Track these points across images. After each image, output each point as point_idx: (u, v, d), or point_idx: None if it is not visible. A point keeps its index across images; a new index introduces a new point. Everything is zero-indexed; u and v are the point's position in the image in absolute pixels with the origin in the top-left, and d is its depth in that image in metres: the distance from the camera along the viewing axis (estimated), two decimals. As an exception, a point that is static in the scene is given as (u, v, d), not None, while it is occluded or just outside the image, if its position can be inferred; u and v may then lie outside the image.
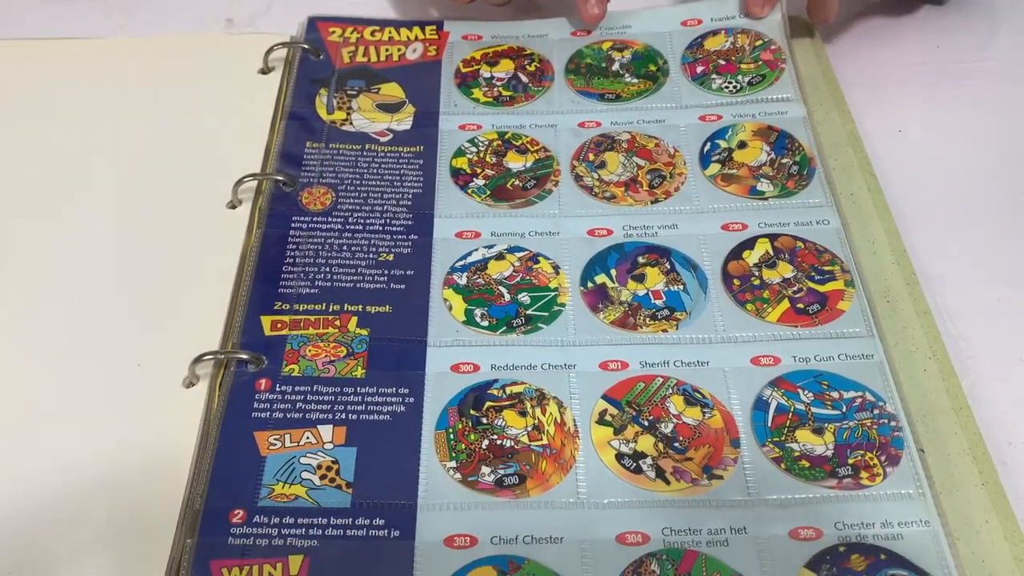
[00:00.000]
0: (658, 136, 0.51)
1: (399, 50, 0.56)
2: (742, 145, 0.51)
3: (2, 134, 0.53)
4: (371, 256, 0.46)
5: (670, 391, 0.41)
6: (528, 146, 0.51)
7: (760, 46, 0.55)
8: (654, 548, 0.36)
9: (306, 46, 0.55)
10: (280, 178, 0.48)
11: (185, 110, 0.53)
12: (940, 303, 0.46)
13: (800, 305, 0.44)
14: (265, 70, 0.55)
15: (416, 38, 0.57)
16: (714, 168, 0.50)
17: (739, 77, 0.54)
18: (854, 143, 0.52)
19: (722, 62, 0.55)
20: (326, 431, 0.39)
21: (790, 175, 0.49)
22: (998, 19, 0.60)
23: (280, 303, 0.44)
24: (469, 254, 0.46)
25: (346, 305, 0.44)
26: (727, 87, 0.54)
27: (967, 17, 0.56)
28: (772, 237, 0.46)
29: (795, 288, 0.44)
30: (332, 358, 0.42)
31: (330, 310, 0.43)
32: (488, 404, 0.41)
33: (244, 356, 0.41)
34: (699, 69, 0.55)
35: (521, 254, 0.46)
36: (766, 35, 0.56)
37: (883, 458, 0.39)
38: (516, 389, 0.41)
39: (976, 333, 0.44)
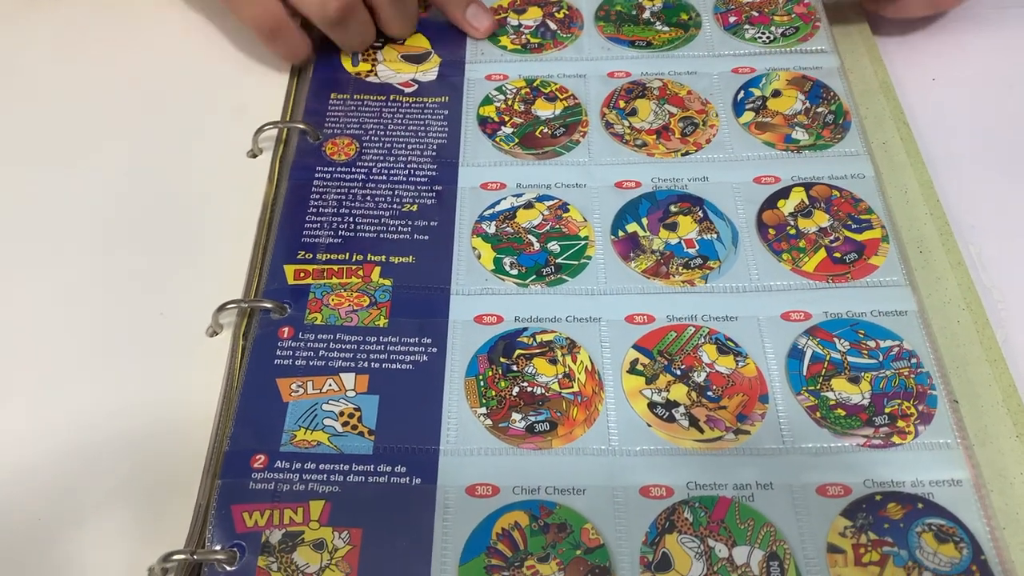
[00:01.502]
0: (690, 85, 0.50)
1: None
2: (776, 94, 0.49)
3: (24, 78, 0.52)
4: (395, 206, 0.45)
5: (702, 340, 0.40)
6: (557, 93, 0.50)
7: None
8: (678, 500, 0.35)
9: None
10: (302, 126, 0.47)
11: (204, 57, 0.53)
12: (973, 253, 0.44)
13: (837, 254, 0.42)
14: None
15: (442, -11, 0.55)
16: (748, 116, 0.48)
17: (772, 28, 0.52)
18: (886, 92, 0.50)
19: (755, 13, 0.53)
20: (348, 379, 0.39)
21: (825, 124, 0.48)
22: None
23: (303, 252, 0.43)
24: (497, 203, 0.45)
25: (369, 255, 0.43)
26: (760, 38, 0.52)
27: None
28: (807, 186, 0.45)
29: (832, 237, 0.43)
30: (355, 307, 0.41)
31: (353, 260, 0.43)
32: (518, 352, 0.40)
33: (268, 305, 0.41)
34: (731, 19, 0.53)
35: (550, 203, 0.45)
36: (800, -14, 0.54)
37: (920, 407, 0.37)
38: (546, 337, 0.40)
39: (1010, 284, 0.43)
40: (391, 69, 0.51)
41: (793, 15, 0.53)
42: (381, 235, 0.44)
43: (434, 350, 0.40)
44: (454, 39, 0.53)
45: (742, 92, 0.49)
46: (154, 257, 0.44)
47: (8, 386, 0.40)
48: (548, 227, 0.44)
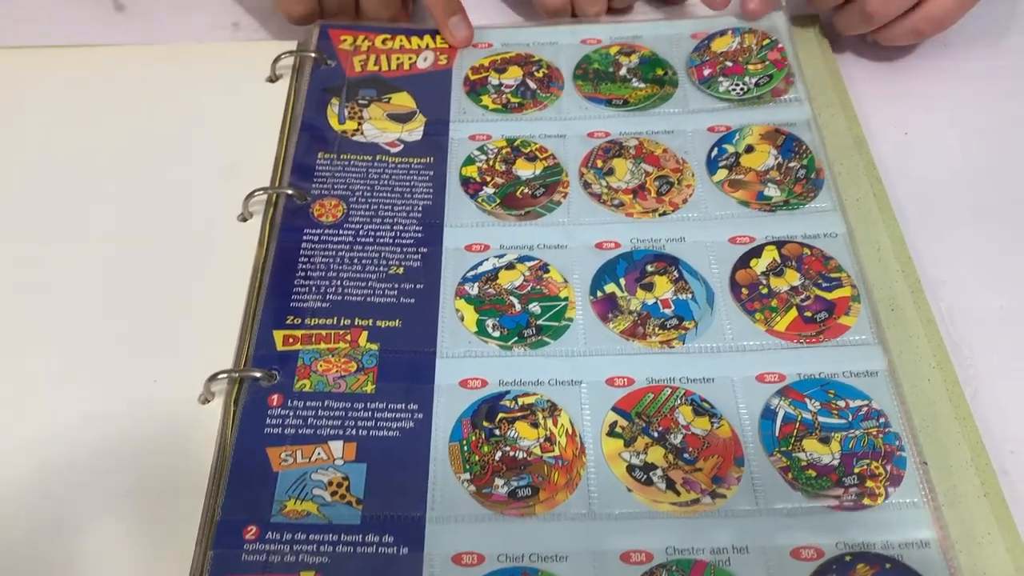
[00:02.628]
0: (666, 143, 0.52)
1: (410, 59, 0.56)
2: (749, 149, 0.51)
3: (11, 143, 0.53)
4: (382, 269, 0.46)
5: (679, 401, 0.41)
6: (537, 153, 0.52)
7: (767, 45, 0.55)
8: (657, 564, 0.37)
9: (314, 54, 0.56)
10: (291, 192, 0.49)
11: (192, 120, 0.54)
12: (944, 309, 0.46)
13: (808, 313, 0.44)
14: (272, 78, 0.56)
15: (427, 46, 0.57)
16: (721, 174, 0.50)
17: (746, 79, 0.54)
18: (860, 147, 0.52)
19: (729, 64, 0.55)
20: (336, 447, 0.40)
21: (797, 179, 0.49)
22: (1009, 16, 0.60)
23: (292, 317, 0.44)
24: (480, 263, 0.47)
25: (357, 319, 0.44)
26: (734, 90, 0.54)
27: (976, 14, 0.56)
28: (779, 244, 0.47)
29: (802, 296, 0.45)
30: (342, 373, 0.42)
31: (341, 324, 0.44)
32: (501, 415, 0.41)
33: (257, 374, 0.42)
34: (706, 72, 0.55)
35: (531, 263, 0.47)
36: (772, 34, 0.56)
37: (889, 468, 0.39)
38: (528, 400, 0.42)
39: (979, 340, 0.45)
40: (377, 128, 0.53)
41: (767, 62, 0.54)
42: (368, 299, 0.45)
43: (420, 416, 0.41)
44: (439, 98, 0.55)
45: (716, 149, 0.51)
46: (147, 323, 0.45)
47: (10, 456, 0.41)
48: (529, 288, 0.46)
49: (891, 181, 0.50)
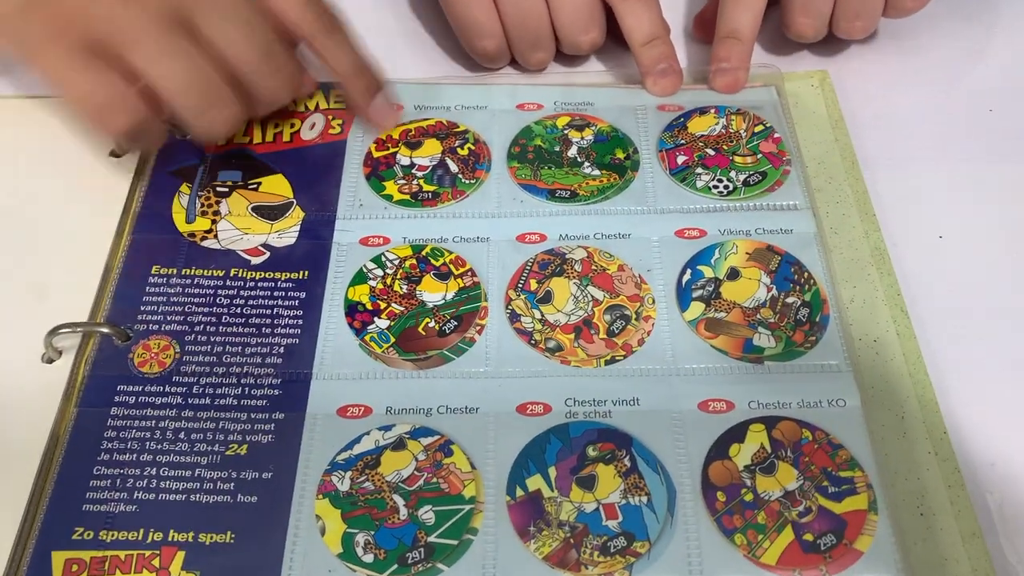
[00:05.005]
0: (622, 257, 0.39)
1: (292, 125, 0.43)
2: (733, 274, 0.38)
3: None
4: (217, 448, 0.33)
5: None
6: (452, 267, 0.39)
7: (761, 133, 0.42)
8: None
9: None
10: (106, 330, 0.36)
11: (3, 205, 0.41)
12: (992, 505, 0.33)
13: (808, 536, 0.31)
14: (117, 152, 0.42)
15: (317, 107, 0.44)
16: (696, 309, 0.37)
17: (732, 174, 0.41)
18: (880, 261, 0.39)
19: (711, 152, 0.42)
20: None
21: (797, 323, 0.36)
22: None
23: (82, 530, 0.31)
24: (358, 440, 0.34)
25: (172, 533, 0.31)
26: (716, 186, 0.41)
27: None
28: (769, 423, 0.34)
29: (801, 508, 0.32)
30: (142, 626, 0.29)
31: (148, 540, 0.31)
32: None
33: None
34: (680, 159, 0.42)
35: (428, 440, 0.34)
36: (767, 119, 0.42)
37: None
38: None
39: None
40: (237, 228, 0.40)
41: (759, 155, 0.41)
42: (191, 497, 0.32)
43: None
44: (326, 183, 0.41)
45: (689, 271, 0.38)
46: None
47: None
48: (422, 482, 0.33)
49: (919, 312, 0.38)
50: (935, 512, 0.33)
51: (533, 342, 0.36)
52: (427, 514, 0.32)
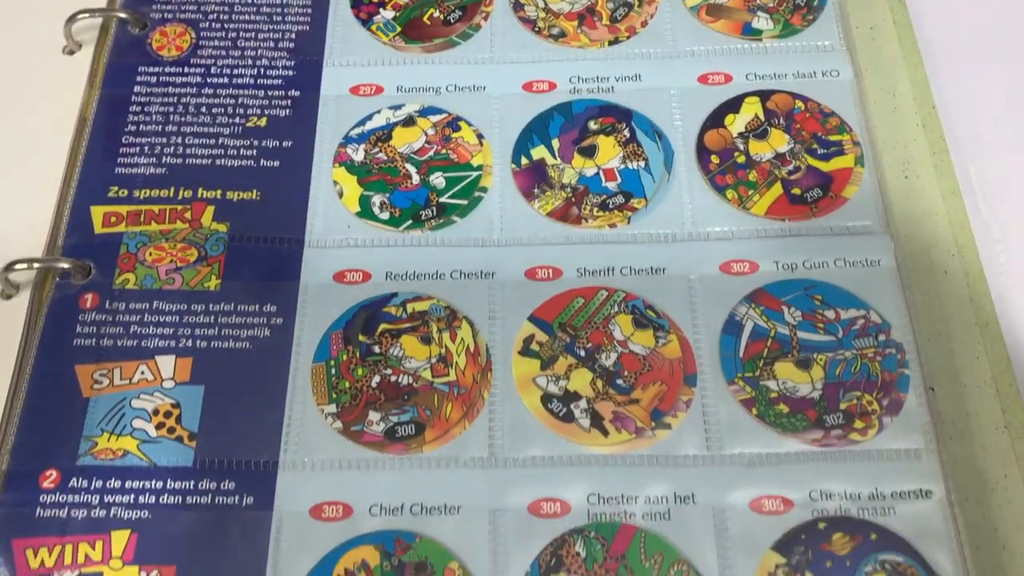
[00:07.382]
0: (626, -51, 0.39)
1: None
2: (736, -37, 0.38)
3: None
4: (238, 121, 0.35)
5: (616, 309, 0.32)
6: (455, -38, 0.39)
7: None
8: (577, 522, 0.28)
9: None
10: (123, 15, 0.37)
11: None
12: (973, 176, 0.35)
13: (796, 191, 0.33)
14: None
15: None
16: (697, -6, 0.38)
17: None
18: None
19: None
20: (166, 364, 0.31)
21: (796, 7, 0.37)
22: None
23: (116, 188, 0.34)
24: (370, 117, 0.36)
25: (201, 190, 0.34)
26: None
27: None
28: (764, 96, 0.35)
29: (791, 167, 0.34)
30: (179, 264, 0.32)
31: (179, 197, 0.33)
32: (383, 327, 0.31)
33: (64, 265, 0.32)
34: None
35: (437, 118, 0.35)
36: None
37: (884, 402, 0.30)
38: (420, 307, 0.32)
39: (1015, 216, 0.34)
40: (245, -75, 0.40)
41: None
42: (217, 161, 0.34)
43: (279, 321, 0.32)
44: None
45: (692, -41, 0.39)
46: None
47: None
48: (432, 153, 0.35)
49: (918, 9, 0.38)
50: (919, 175, 0.34)
51: (537, 30, 0.37)
52: (438, 179, 0.34)
